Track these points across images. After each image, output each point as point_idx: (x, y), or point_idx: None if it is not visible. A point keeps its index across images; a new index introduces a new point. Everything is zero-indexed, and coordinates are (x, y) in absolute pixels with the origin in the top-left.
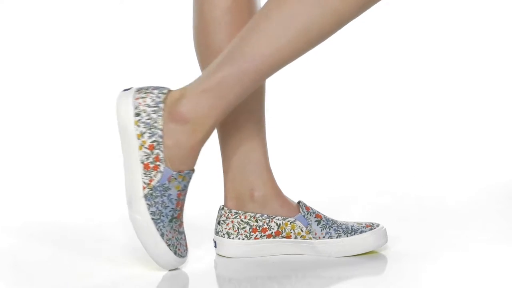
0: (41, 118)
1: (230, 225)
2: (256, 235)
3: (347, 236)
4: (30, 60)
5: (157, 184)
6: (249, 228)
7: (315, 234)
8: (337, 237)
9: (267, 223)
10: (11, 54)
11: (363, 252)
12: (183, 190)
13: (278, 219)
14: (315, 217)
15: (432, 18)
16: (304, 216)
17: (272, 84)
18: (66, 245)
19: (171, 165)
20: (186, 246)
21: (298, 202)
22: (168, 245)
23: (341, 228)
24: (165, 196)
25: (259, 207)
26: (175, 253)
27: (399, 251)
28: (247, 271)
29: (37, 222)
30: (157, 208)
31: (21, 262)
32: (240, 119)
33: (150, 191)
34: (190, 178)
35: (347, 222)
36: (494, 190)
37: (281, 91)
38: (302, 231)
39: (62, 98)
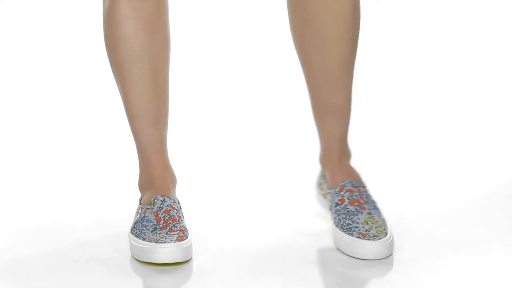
0: (41, 118)
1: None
2: None
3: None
4: (30, 60)
5: (137, 220)
6: None
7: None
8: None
9: None
10: (11, 54)
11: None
12: (159, 210)
13: None
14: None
15: (432, 18)
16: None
17: (276, 85)
18: (66, 246)
19: (143, 204)
20: (179, 240)
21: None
22: (149, 241)
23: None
24: (144, 221)
25: None
26: (156, 242)
27: (399, 251)
28: (246, 269)
29: (38, 222)
30: (138, 229)
31: (21, 262)
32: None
33: (132, 225)
34: (161, 201)
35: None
36: (495, 190)
37: (286, 93)
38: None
39: (62, 98)
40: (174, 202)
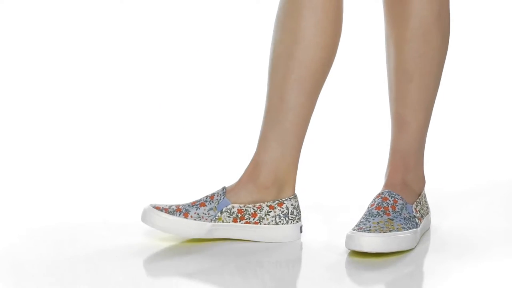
0: (41, 118)
1: None
2: None
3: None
4: (30, 60)
5: None
6: None
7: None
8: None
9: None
10: (11, 54)
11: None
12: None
13: None
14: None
15: None
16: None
17: None
18: (66, 246)
19: None
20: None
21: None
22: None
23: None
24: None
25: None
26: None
27: (397, 253)
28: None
29: (38, 222)
30: None
31: (21, 262)
32: None
33: None
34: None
35: None
36: (495, 190)
37: None
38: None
39: (62, 98)
40: (214, 194)
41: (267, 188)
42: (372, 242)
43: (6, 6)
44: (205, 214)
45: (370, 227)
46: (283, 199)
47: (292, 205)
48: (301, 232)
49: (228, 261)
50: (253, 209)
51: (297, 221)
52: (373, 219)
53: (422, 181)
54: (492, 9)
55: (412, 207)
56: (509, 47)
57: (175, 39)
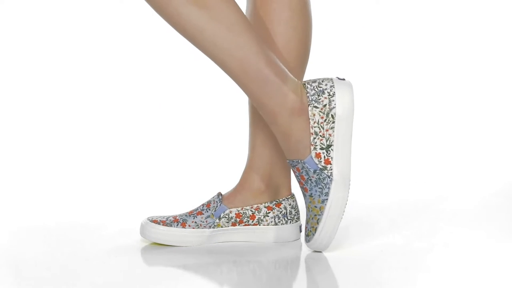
0: (41, 118)
1: None
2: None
3: None
4: (30, 60)
5: None
6: None
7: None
8: None
9: None
10: (11, 54)
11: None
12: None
13: None
14: None
15: (432, 18)
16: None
17: None
18: (66, 245)
19: None
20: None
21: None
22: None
23: None
24: None
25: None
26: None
27: (394, 250)
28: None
29: (38, 222)
30: None
31: (21, 262)
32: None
33: None
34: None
35: None
36: (494, 190)
37: None
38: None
39: (62, 98)
40: (210, 202)
41: (263, 192)
42: (319, 248)
43: (6, 6)
44: (203, 222)
45: (309, 231)
46: (281, 200)
47: (290, 204)
48: (300, 231)
49: (227, 258)
50: (251, 211)
51: (296, 221)
52: (306, 209)
53: (290, 103)
54: (492, 9)
55: (311, 159)
56: (508, 50)
57: (169, 45)
